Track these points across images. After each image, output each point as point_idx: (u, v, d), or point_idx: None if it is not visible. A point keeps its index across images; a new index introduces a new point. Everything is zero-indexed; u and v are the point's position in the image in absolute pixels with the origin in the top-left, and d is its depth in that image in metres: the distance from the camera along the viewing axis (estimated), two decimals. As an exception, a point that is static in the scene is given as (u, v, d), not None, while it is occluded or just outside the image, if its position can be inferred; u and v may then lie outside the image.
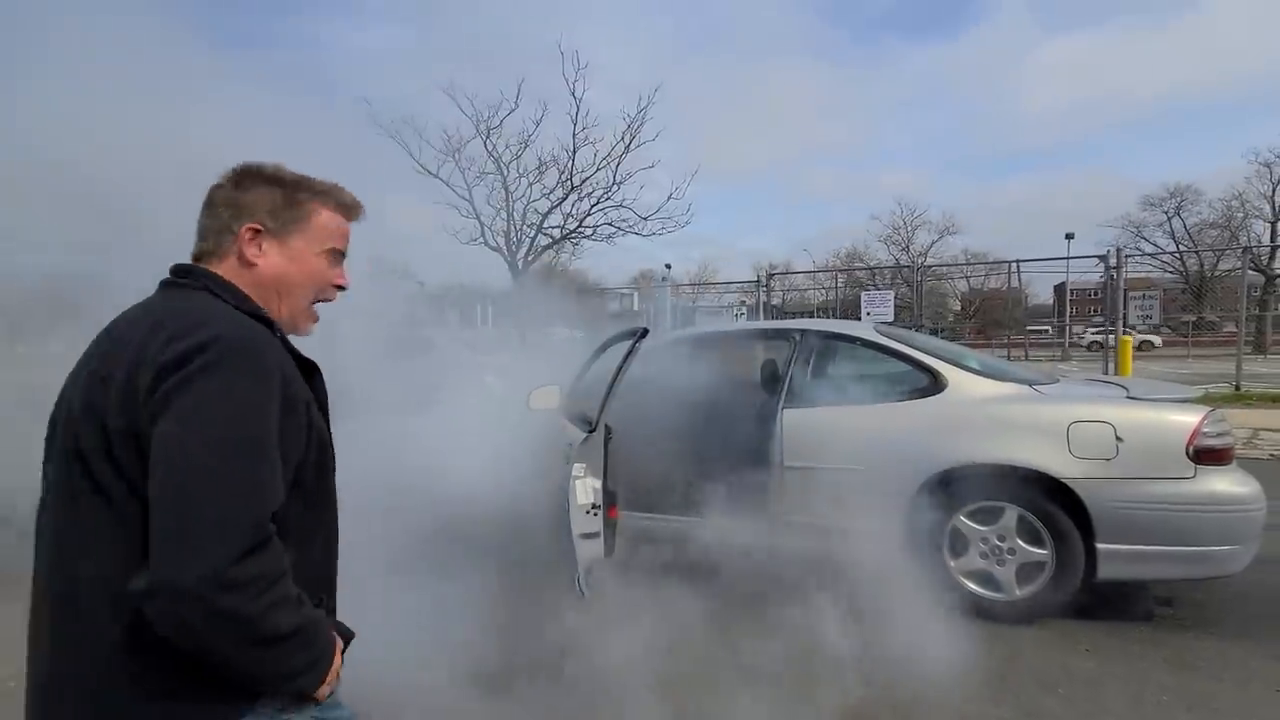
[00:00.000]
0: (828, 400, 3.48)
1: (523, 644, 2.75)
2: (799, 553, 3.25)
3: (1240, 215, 32.68)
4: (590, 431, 2.79)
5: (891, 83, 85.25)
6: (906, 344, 3.56)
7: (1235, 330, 15.46)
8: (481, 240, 14.10)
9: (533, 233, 13.72)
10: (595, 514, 2.80)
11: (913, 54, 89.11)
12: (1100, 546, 2.95)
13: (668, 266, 42.25)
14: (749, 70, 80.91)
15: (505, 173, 13.46)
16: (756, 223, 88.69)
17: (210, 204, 1.06)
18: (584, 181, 12.99)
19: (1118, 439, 2.95)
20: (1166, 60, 69.96)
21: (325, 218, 1.09)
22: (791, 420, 3.46)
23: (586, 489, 2.76)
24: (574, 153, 12.86)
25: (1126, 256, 11.92)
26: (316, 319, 1.13)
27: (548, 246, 14.01)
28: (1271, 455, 6.96)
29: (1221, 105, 65.61)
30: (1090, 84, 72.53)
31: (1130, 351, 9.90)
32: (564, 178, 13.18)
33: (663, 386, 3.66)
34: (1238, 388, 11.12)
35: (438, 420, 3.13)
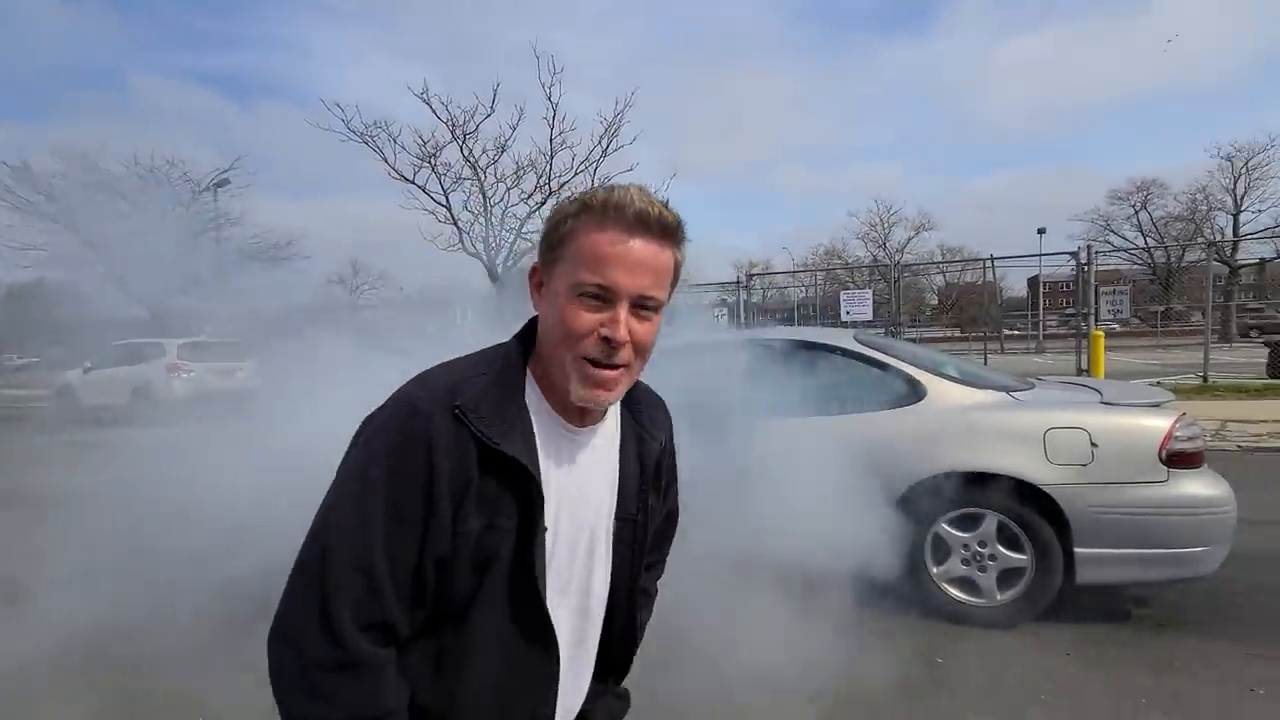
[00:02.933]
0: (809, 410, 3.49)
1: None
2: (783, 559, 3.27)
3: (1204, 208, 33.50)
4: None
5: (865, 81, 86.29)
6: (885, 353, 3.59)
7: (1203, 320, 15.86)
8: (460, 246, 13.99)
9: (511, 238, 13.64)
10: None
11: (885, 52, 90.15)
12: (1078, 551, 3.00)
13: (648, 266, 42.45)
14: (723, 70, 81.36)
15: (483, 178, 13.35)
16: (734, 221, 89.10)
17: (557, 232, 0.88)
18: (562, 186, 12.94)
19: (1093, 444, 3.00)
20: (1130, 57, 71.53)
21: (580, 242, 0.81)
22: (771, 429, 3.46)
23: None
24: (551, 157, 12.81)
25: (1096, 252, 12.17)
26: (597, 384, 0.82)
27: (527, 252, 13.92)
28: (1239, 447, 7.14)
29: (1184, 100, 67.31)
30: (1058, 80, 74.01)
31: (1102, 347, 10.09)
32: (542, 182, 13.11)
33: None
34: (1205, 379, 11.41)
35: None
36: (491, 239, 13.74)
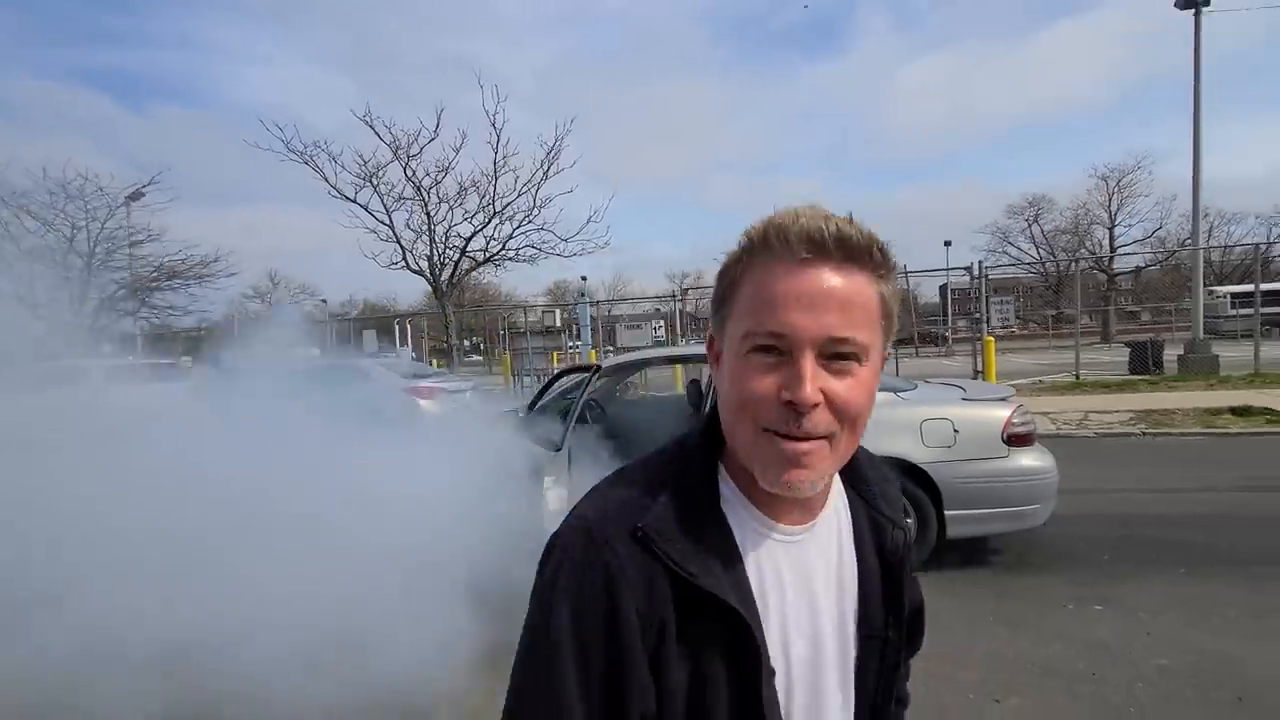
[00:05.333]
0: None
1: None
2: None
3: (1086, 223, 37.22)
4: (557, 450, 3.43)
5: (786, 97, 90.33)
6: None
7: (1089, 323, 18.01)
8: (403, 264, 14.23)
9: (456, 256, 14.01)
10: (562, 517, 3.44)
11: (805, 69, 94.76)
12: (948, 513, 3.90)
13: (583, 278, 42.79)
14: (650, 84, 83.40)
15: (426, 198, 13.69)
16: (664, 231, 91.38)
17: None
18: (506, 207, 13.46)
19: (955, 430, 3.93)
20: (1022, 80, 78.22)
21: (745, 287, 0.63)
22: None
23: (557, 497, 3.40)
24: (495, 179, 13.31)
25: (988, 268, 13.81)
26: (787, 462, 0.61)
27: (471, 269, 14.32)
28: (1096, 434, 8.52)
29: (1068, 122, 74.10)
30: (957, 100, 79.88)
31: (993, 351, 11.54)
32: (485, 203, 13.58)
33: (606, 407, 4.34)
34: (1077, 377, 13.13)
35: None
36: (435, 257, 14.07)
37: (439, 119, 13.24)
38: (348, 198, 13.73)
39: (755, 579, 0.65)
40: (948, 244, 35.44)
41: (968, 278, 14.13)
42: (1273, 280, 26.16)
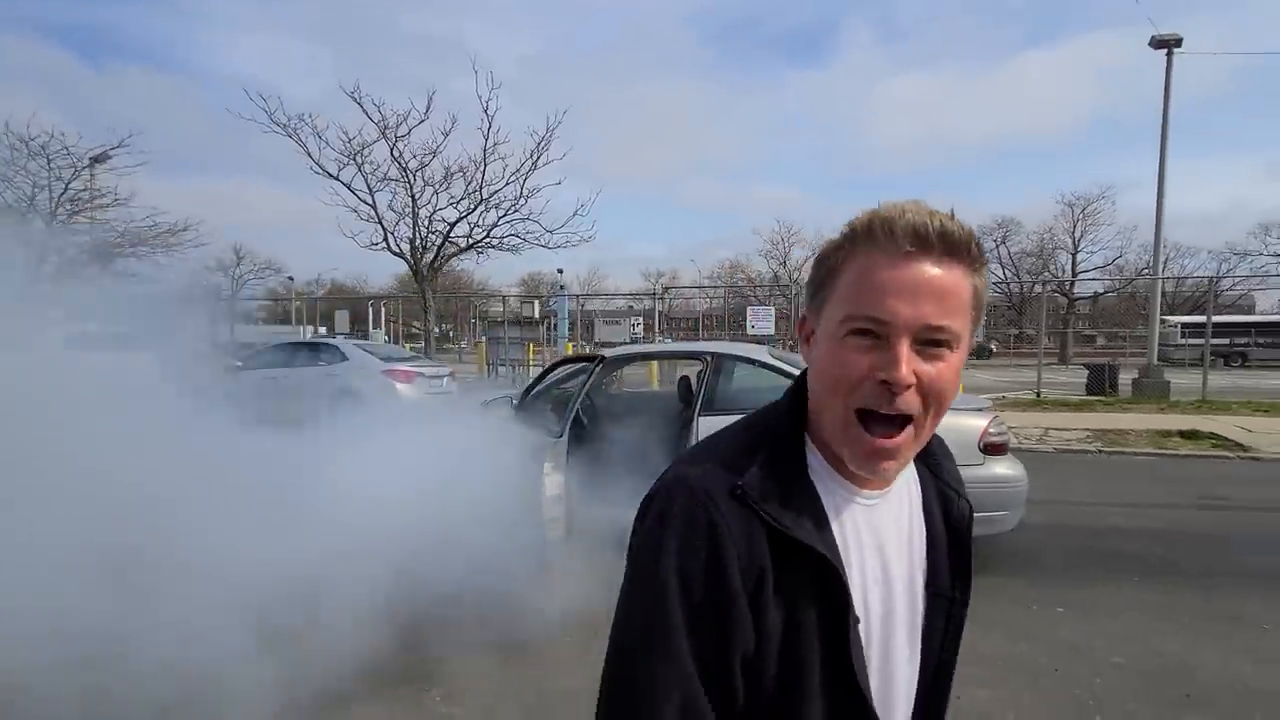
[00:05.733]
0: (734, 408, 4.40)
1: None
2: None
3: (1050, 247, 38.53)
4: (558, 437, 3.49)
5: (768, 104, 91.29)
6: (791, 364, 4.57)
7: (1048, 345, 18.75)
8: (384, 245, 14.04)
9: (439, 240, 13.87)
10: (559, 503, 3.51)
11: (789, 78, 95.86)
12: (924, 516, 4.07)
13: (560, 271, 42.61)
14: (635, 82, 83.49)
15: (411, 181, 13.53)
16: (641, 230, 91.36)
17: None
18: (493, 194, 13.37)
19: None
20: (995, 104, 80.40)
21: (847, 274, 0.69)
22: (706, 425, 4.34)
23: (554, 483, 3.46)
24: (485, 166, 13.21)
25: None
26: (874, 454, 0.68)
27: (454, 254, 14.20)
28: (1056, 449, 8.89)
29: (1039, 148, 76.49)
30: (933, 119, 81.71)
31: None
32: (471, 189, 13.48)
33: (599, 398, 4.42)
34: (1038, 395, 13.65)
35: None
36: (418, 240, 13.91)
37: (430, 101, 13.11)
38: (331, 174, 13.49)
39: (839, 536, 0.70)
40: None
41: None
42: (1221, 313, 27.49)
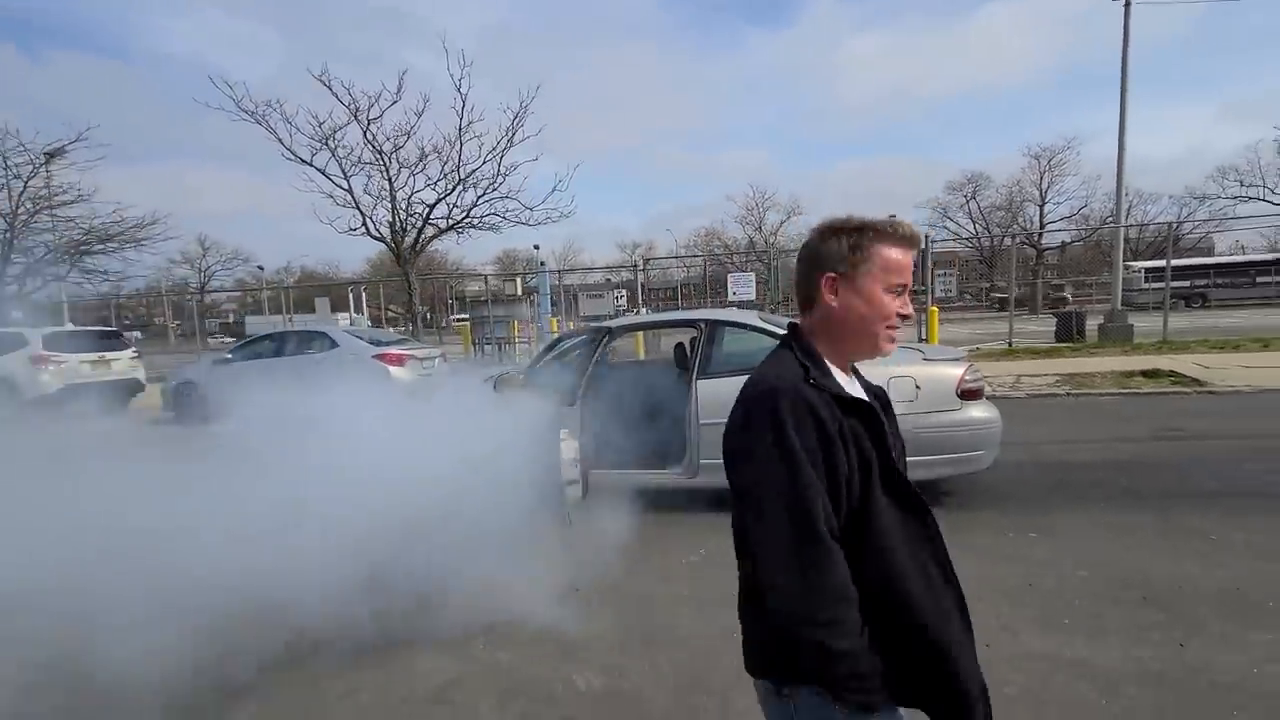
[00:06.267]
0: (731, 370, 4.69)
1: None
2: (713, 481, 4.49)
3: (1019, 200, 39.19)
4: (571, 405, 3.75)
5: (732, 69, 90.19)
6: (780, 326, 4.85)
7: (1021, 295, 19.36)
8: (363, 230, 13.97)
9: (419, 223, 13.84)
10: (575, 466, 3.79)
11: (753, 39, 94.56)
12: (909, 459, 4.42)
13: (536, 247, 42.24)
14: (598, 49, 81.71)
15: (387, 163, 13.42)
16: (612, 202, 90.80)
17: (799, 261, 1.29)
18: (471, 174, 13.33)
19: (917, 387, 4.44)
20: (960, 59, 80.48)
21: (887, 256, 1.19)
22: (705, 388, 4.63)
23: (570, 448, 3.73)
24: (461, 146, 13.14)
25: (934, 240, 14.65)
26: (894, 341, 1.23)
27: (434, 236, 14.18)
28: (1028, 394, 9.38)
29: (1006, 100, 77.05)
30: (900, 75, 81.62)
31: (936, 320, 12.39)
32: (449, 169, 13.43)
33: (602, 367, 4.66)
34: (1010, 344, 14.20)
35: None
36: (397, 223, 13.86)
37: (401, 82, 12.95)
38: (304, 160, 13.33)
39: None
40: (892, 217, 36.71)
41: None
42: (1182, 256, 28.35)
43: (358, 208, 13.81)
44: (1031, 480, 5.20)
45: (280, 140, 13.14)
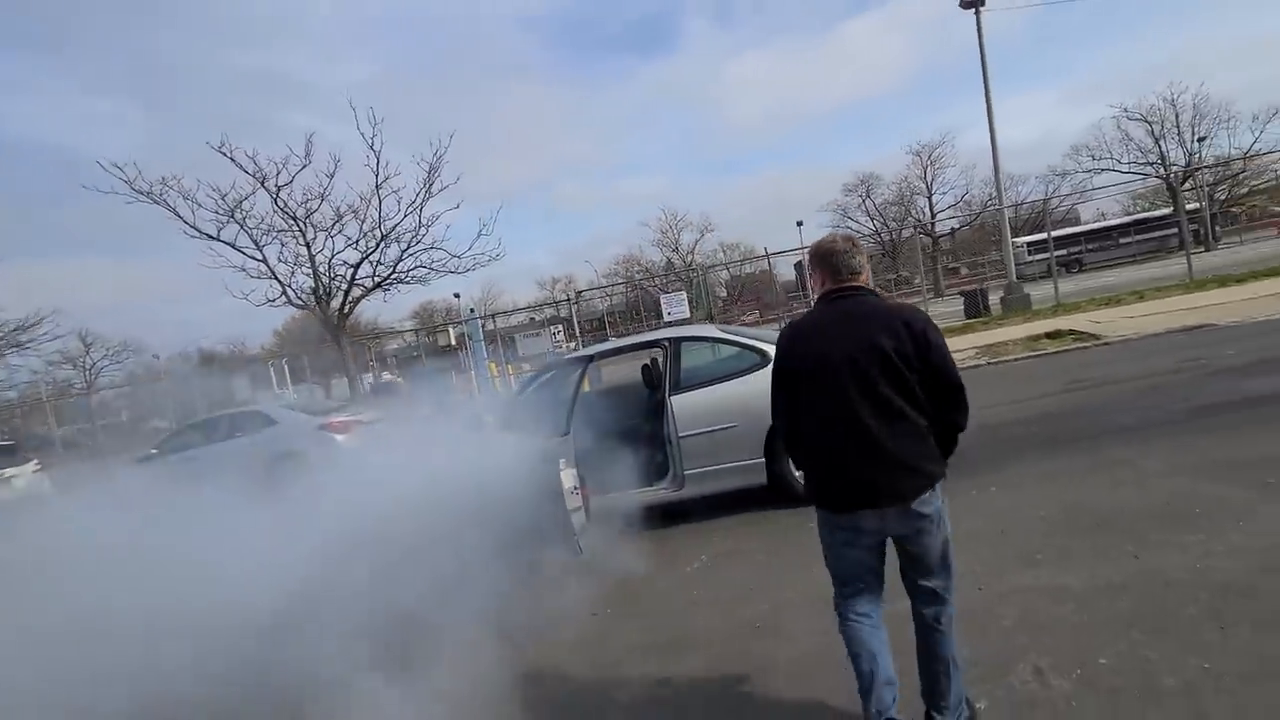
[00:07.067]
0: (700, 382, 4.95)
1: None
2: (700, 490, 4.72)
3: (909, 194, 42.18)
4: (563, 436, 3.90)
5: (625, 99, 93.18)
6: (739, 335, 5.18)
7: (921, 283, 20.86)
8: (283, 299, 13.51)
9: (345, 285, 13.52)
10: (576, 494, 3.92)
11: (641, 71, 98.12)
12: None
13: (456, 295, 41.58)
14: (487, 93, 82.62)
15: (304, 228, 13.09)
16: (525, 240, 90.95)
17: (859, 253, 2.17)
18: (393, 229, 13.20)
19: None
20: (830, 71, 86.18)
21: (825, 269, 2.20)
22: (678, 403, 4.86)
23: (569, 476, 3.86)
24: (380, 202, 13.00)
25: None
26: None
27: (362, 296, 13.88)
28: (953, 369, 10.17)
29: (880, 104, 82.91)
30: (782, 93, 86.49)
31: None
32: (369, 227, 13.25)
33: (588, 395, 4.83)
34: (928, 326, 15.29)
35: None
36: (320, 288, 13.49)
37: (309, 145, 12.75)
38: (211, 236, 12.81)
39: None
40: (799, 224, 38.86)
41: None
42: (1055, 228, 31.27)
43: (275, 277, 13.38)
44: (978, 443, 5.72)
45: (182, 218, 12.61)
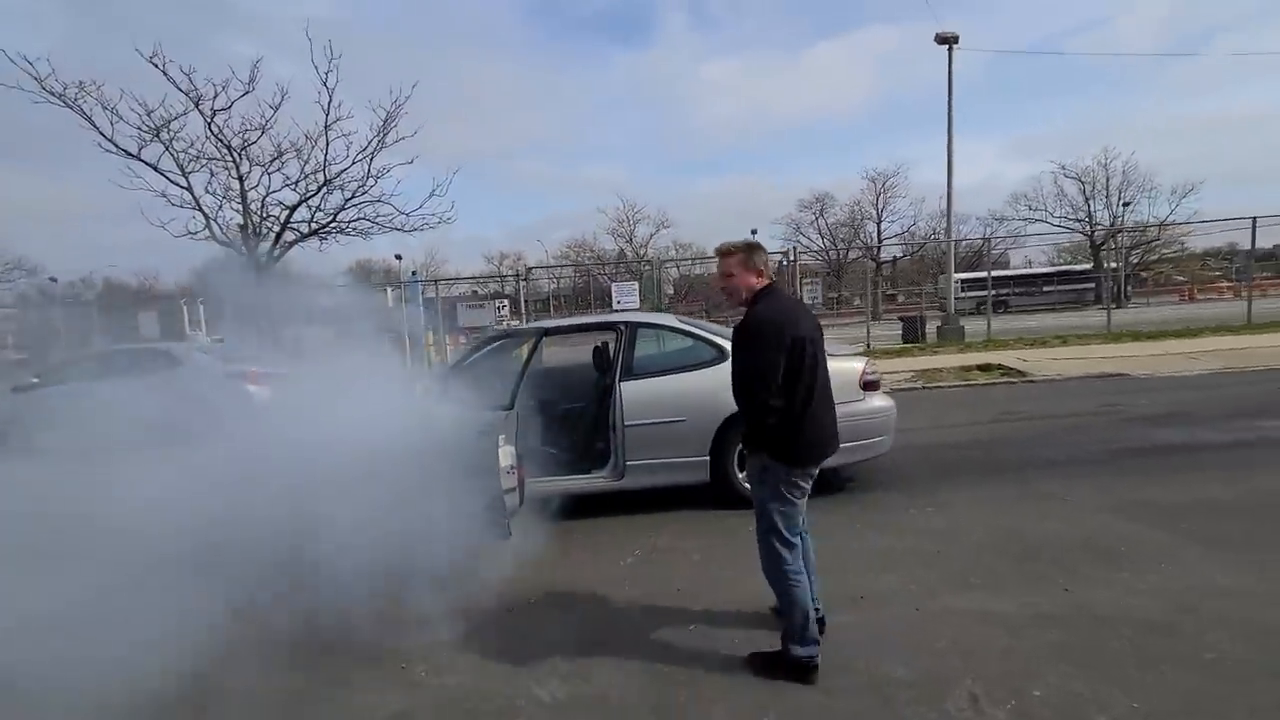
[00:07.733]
0: (652, 372, 4.76)
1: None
2: (639, 482, 4.53)
3: (859, 218, 43.50)
4: (506, 410, 3.62)
5: (594, 85, 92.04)
6: (699, 328, 5.03)
7: (862, 304, 21.50)
8: (207, 234, 12.42)
9: (277, 227, 12.56)
10: (512, 474, 3.66)
11: (614, 58, 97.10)
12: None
13: (398, 257, 39.76)
14: (452, 55, 79.69)
15: (238, 160, 12.05)
16: (474, 211, 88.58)
17: (762, 256, 2.72)
18: (339, 175, 12.34)
19: (824, 381, 4.79)
20: (798, 88, 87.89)
21: (762, 262, 2.75)
22: (628, 390, 4.66)
23: (506, 455, 3.59)
24: (329, 144, 12.12)
25: (801, 252, 15.89)
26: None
27: (295, 242, 12.93)
28: (891, 389, 10.39)
29: (842, 127, 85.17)
30: (749, 100, 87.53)
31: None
32: (313, 170, 12.34)
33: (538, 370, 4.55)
34: (868, 346, 15.72)
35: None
36: (250, 226, 12.49)
37: (254, 71, 11.72)
38: (130, 153, 11.61)
39: None
40: (754, 231, 39.31)
41: (784, 261, 16.13)
42: (989, 269, 32.90)
43: (199, 208, 12.28)
44: (914, 462, 5.80)
45: (98, 129, 11.37)
